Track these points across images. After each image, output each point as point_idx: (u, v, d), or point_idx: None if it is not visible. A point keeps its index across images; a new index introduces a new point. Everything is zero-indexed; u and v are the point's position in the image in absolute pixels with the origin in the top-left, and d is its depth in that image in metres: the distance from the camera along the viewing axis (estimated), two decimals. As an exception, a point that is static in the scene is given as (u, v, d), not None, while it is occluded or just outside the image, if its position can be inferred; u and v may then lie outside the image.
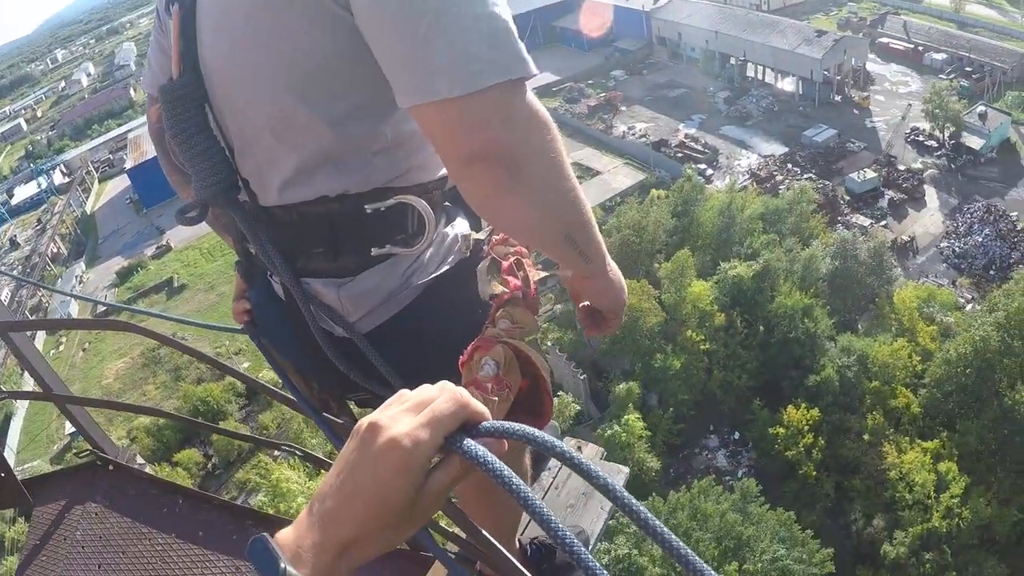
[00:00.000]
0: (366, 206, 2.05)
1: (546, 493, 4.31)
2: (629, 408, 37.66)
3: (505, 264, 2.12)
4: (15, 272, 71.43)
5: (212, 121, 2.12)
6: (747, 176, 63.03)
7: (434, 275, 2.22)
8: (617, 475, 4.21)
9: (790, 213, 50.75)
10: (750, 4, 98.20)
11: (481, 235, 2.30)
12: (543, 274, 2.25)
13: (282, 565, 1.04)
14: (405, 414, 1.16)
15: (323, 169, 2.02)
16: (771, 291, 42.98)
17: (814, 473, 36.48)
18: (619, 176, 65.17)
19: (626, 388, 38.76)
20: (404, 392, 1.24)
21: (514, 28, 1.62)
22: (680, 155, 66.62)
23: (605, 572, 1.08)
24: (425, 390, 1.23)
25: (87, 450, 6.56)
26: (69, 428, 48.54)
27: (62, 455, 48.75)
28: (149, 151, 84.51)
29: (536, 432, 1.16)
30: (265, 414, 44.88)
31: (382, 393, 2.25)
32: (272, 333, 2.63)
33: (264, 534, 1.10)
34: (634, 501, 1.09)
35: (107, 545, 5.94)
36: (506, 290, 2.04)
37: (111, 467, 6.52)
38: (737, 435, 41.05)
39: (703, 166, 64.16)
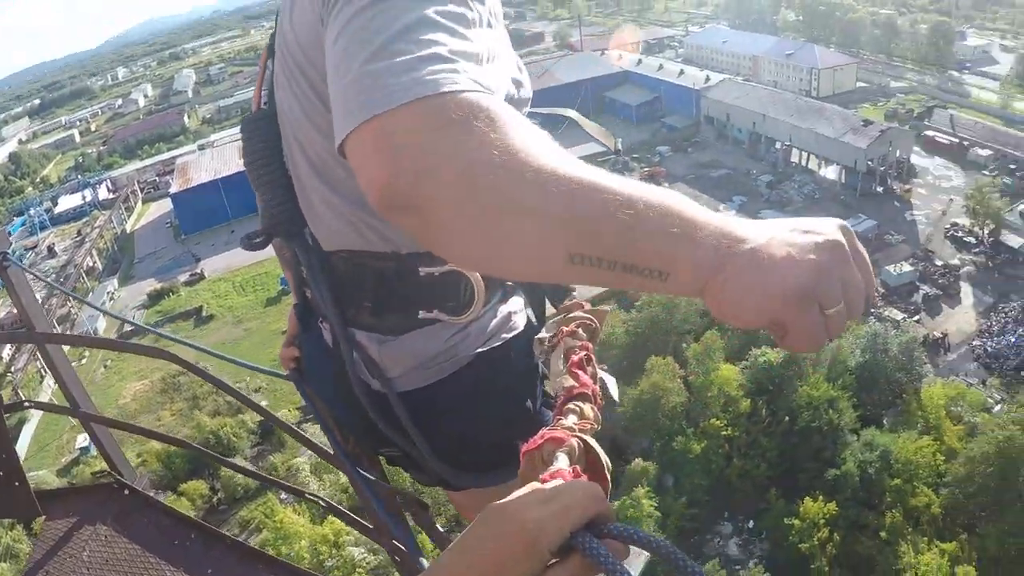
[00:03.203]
0: (420, 268, 2.05)
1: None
2: (641, 483, 37.57)
3: (575, 358, 1.99)
4: (49, 279, 71.78)
5: (288, 158, 2.19)
6: (783, 263, 62.44)
7: (480, 350, 2.20)
8: (638, 557, 3.89)
9: (823, 302, 50.53)
10: (799, 90, 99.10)
11: (544, 334, 2.11)
12: (612, 379, 2.11)
13: None
14: (536, 501, 1.12)
15: (371, 222, 2.03)
16: (798, 380, 42.78)
17: (827, 569, 35.93)
18: (656, 253, 64.62)
19: (641, 466, 38.68)
20: (535, 483, 1.20)
21: (452, 53, 1.32)
22: (718, 236, 66.35)
23: None
24: (558, 481, 1.20)
25: (105, 471, 6.59)
26: (80, 442, 49.37)
27: (69, 468, 49.12)
28: (195, 179, 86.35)
29: (664, 542, 1.13)
30: (276, 455, 45.22)
31: (412, 452, 2.29)
32: (317, 381, 2.62)
33: None
34: None
35: (113, 570, 5.94)
36: (575, 384, 1.90)
37: (127, 491, 6.49)
38: (751, 524, 40.64)
39: (740, 249, 63.74)
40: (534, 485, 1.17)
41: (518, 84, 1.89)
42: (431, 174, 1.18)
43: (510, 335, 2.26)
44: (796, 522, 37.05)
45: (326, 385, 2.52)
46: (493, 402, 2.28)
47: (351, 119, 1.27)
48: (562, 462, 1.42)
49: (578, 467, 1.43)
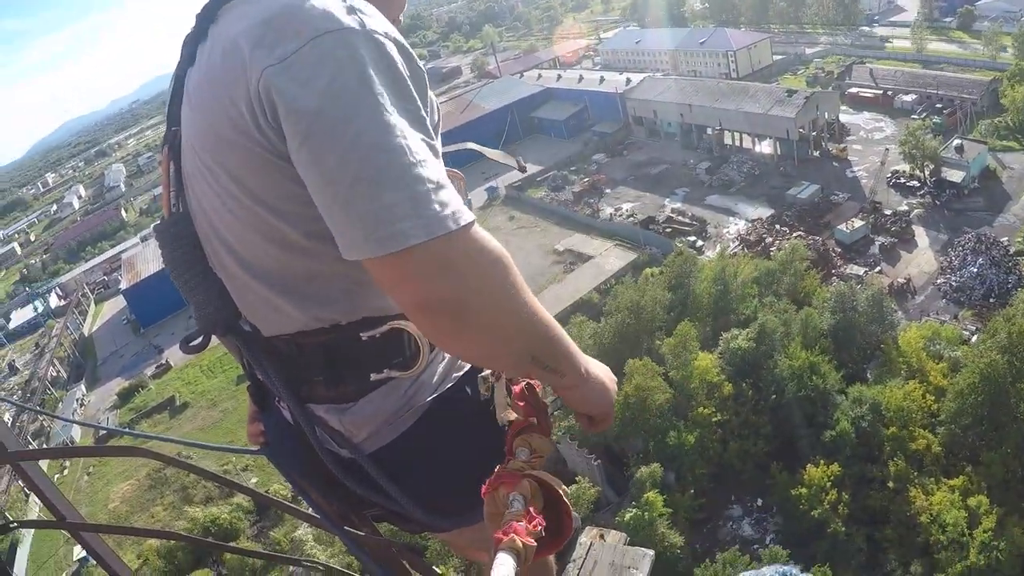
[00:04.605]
0: (361, 334, 2.11)
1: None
2: (647, 487, 37.50)
3: (516, 389, 2.15)
4: (15, 397, 70.40)
5: (211, 256, 2.21)
6: (737, 242, 63.53)
7: (435, 395, 2.29)
8: (643, 559, 4.19)
9: (784, 273, 51.13)
10: (719, 74, 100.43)
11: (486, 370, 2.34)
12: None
13: None
14: None
15: (305, 305, 2.08)
16: (774, 353, 42.96)
17: (843, 529, 35.76)
18: (611, 258, 65.74)
19: (648, 471, 38.57)
20: None
21: (444, 181, 1.68)
22: (669, 230, 67.40)
23: None
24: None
25: (105, 577, 6.71)
26: (77, 553, 48.78)
27: (71, 582, 48.16)
28: (143, 271, 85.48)
29: None
30: (277, 530, 44.48)
31: (393, 508, 2.38)
32: (286, 454, 2.64)
33: None
34: None
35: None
36: (520, 416, 2.07)
37: (130, 595, 6.70)
38: (760, 502, 40.47)
39: (693, 238, 64.91)
40: None
41: (436, 128, 2.05)
42: (467, 296, 1.68)
43: (460, 372, 2.38)
44: (803, 491, 36.99)
45: (296, 457, 2.54)
46: (459, 441, 2.34)
47: (379, 245, 1.62)
48: (518, 506, 1.60)
49: (533, 508, 1.63)
